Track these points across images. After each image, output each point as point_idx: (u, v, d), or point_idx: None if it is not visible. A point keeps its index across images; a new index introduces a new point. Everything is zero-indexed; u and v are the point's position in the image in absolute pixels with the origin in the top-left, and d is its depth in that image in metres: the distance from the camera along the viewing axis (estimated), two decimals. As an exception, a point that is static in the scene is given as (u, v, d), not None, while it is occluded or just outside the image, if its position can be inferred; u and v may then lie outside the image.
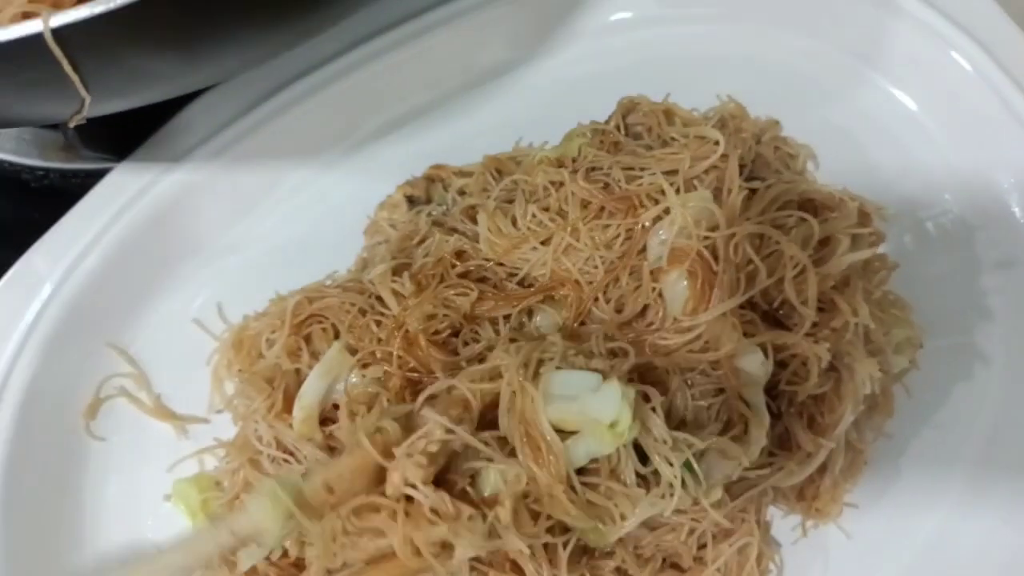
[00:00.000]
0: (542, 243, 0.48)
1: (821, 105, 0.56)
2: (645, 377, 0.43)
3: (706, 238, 0.44)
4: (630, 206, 0.47)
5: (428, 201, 0.55)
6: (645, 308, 0.45)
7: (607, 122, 0.53)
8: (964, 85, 0.54)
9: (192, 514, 0.48)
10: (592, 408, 0.40)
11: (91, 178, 0.54)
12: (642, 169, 0.48)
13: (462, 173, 0.55)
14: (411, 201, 0.54)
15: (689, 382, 0.44)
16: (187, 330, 0.53)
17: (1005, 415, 0.52)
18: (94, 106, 0.37)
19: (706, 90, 0.55)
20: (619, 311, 0.46)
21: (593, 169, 0.49)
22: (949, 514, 0.50)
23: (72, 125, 0.39)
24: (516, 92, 0.57)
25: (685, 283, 0.44)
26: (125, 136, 0.52)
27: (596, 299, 0.46)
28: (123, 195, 0.52)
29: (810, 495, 0.48)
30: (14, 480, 0.48)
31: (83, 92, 0.34)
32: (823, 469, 0.47)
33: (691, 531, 0.46)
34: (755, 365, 0.44)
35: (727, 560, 0.47)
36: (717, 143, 0.47)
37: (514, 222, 0.49)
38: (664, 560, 0.47)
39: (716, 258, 0.44)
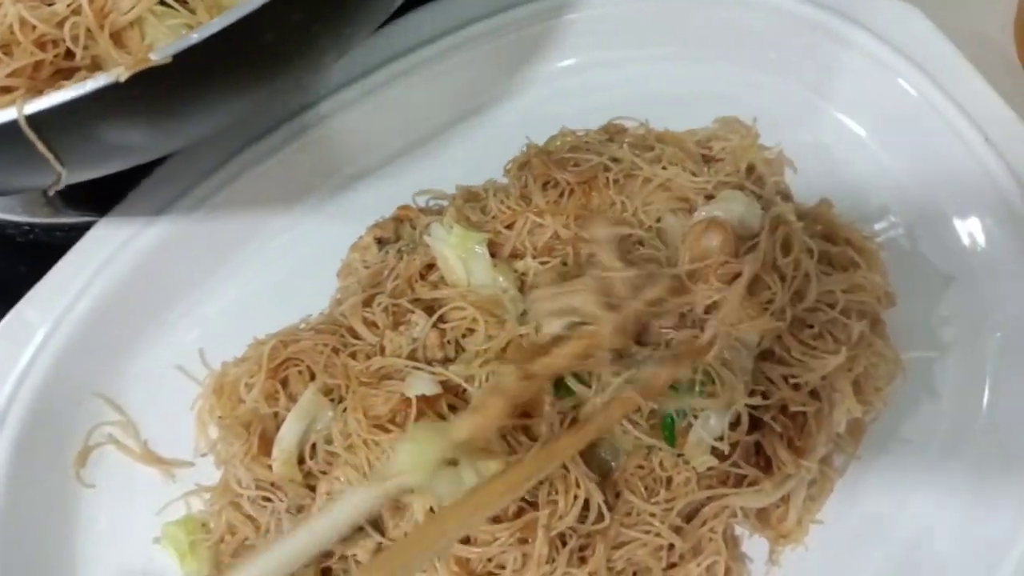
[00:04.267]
0: (507, 228, 0.51)
1: (773, 135, 0.58)
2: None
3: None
4: (589, 181, 0.51)
5: (397, 240, 0.57)
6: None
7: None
8: (910, 110, 0.56)
9: (181, 556, 0.50)
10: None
11: (75, 232, 0.56)
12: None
13: (429, 212, 0.57)
14: (380, 242, 0.56)
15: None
16: (171, 377, 0.55)
17: (961, 425, 0.53)
18: (70, 177, 0.39)
19: (662, 126, 0.58)
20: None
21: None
22: (912, 525, 0.51)
23: (51, 193, 0.41)
24: (481, 135, 0.60)
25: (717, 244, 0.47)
26: (104, 193, 0.54)
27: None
28: (106, 248, 0.54)
29: (775, 519, 0.50)
30: (6, 527, 0.50)
31: (59, 168, 0.37)
32: (786, 498, 0.50)
33: (659, 547, 0.48)
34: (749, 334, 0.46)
35: (696, 579, 0.48)
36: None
37: (483, 211, 0.53)
38: (634, 575, 0.49)
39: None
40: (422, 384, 0.45)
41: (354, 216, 0.57)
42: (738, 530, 0.52)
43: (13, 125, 0.34)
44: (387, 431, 0.45)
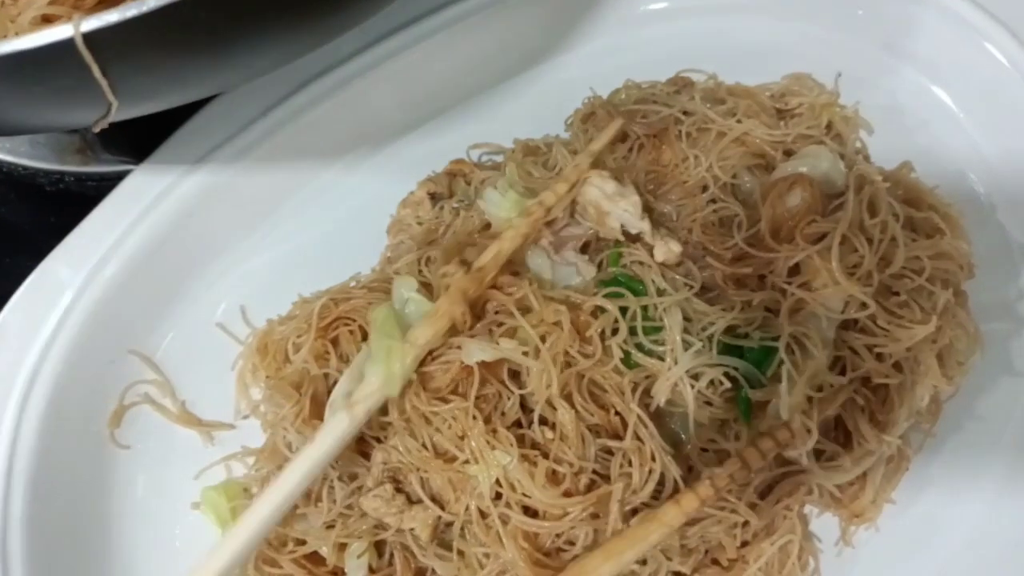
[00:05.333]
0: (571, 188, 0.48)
1: (853, 97, 0.55)
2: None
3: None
4: (660, 134, 0.48)
5: (451, 196, 0.54)
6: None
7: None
8: (998, 76, 0.53)
9: (221, 522, 0.48)
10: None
11: (107, 181, 0.54)
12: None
13: (483, 167, 0.54)
14: (433, 198, 0.53)
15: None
16: (211, 335, 0.52)
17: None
18: (120, 111, 0.36)
19: (729, 80, 0.55)
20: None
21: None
22: (986, 507, 0.49)
23: (96, 131, 0.38)
24: (540, 87, 0.57)
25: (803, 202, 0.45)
26: (144, 138, 0.51)
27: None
28: (143, 199, 0.51)
29: (848, 499, 0.48)
30: (39, 490, 0.47)
31: (111, 97, 0.34)
32: (863, 476, 0.47)
33: (734, 524, 0.45)
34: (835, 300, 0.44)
35: (768, 558, 0.46)
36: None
37: (546, 165, 0.50)
38: (707, 553, 0.47)
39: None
40: (480, 350, 0.42)
41: (403, 170, 0.54)
42: (807, 508, 0.49)
43: (68, 45, 0.30)
44: (447, 402, 0.42)
